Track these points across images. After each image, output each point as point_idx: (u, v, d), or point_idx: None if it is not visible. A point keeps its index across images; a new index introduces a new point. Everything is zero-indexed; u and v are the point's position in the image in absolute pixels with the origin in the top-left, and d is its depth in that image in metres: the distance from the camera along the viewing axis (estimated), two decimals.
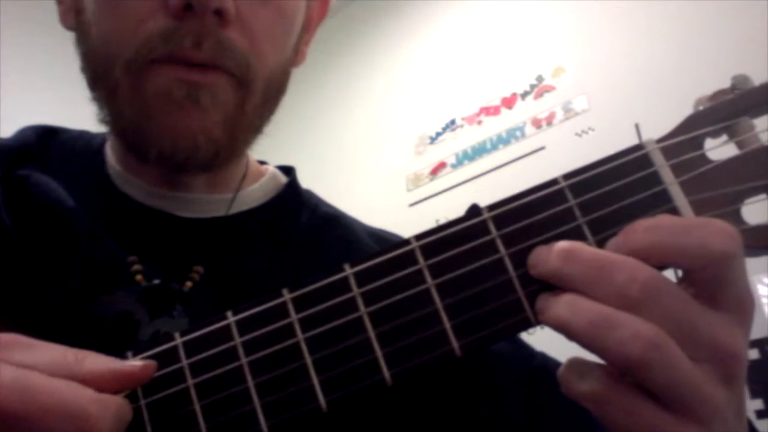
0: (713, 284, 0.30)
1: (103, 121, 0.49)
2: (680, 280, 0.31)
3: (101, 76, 0.47)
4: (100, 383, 0.31)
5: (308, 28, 0.59)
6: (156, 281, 0.49)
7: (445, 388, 0.48)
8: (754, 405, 1.47)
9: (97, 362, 0.32)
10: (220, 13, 0.44)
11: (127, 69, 0.45)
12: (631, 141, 0.34)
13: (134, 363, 0.33)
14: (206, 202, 0.55)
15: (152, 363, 0.34)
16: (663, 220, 0.30)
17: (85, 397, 0.30)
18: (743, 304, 0.30)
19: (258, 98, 0.48)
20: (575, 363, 0.31)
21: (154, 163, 0.47)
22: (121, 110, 0.47)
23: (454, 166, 2.35)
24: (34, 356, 0.31)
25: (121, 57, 0.45)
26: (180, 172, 0.51)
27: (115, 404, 0.31)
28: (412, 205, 2.39)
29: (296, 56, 0.55)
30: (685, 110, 0.34)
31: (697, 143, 0.32)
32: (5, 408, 0.28)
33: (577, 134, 2.06)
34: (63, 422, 0.29)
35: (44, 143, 0.58)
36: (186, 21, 0.44)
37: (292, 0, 0.51)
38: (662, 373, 0.28)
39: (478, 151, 2.31)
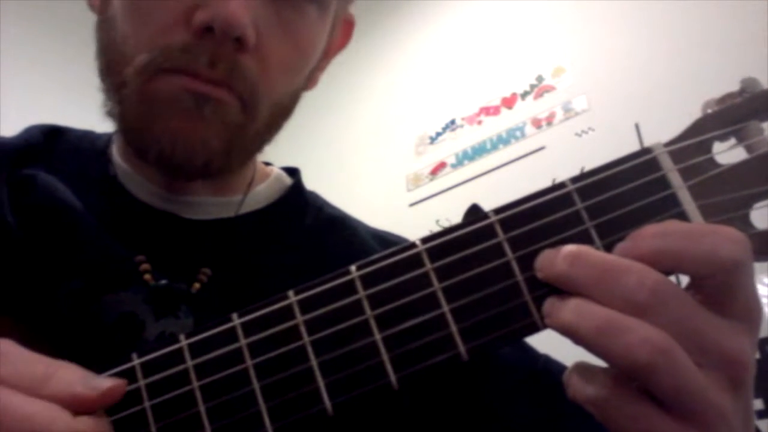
0: (721, 291, 0.29)
1: (108, 113, 0.50)
2: (688, 286, 0.31)
3: (112, 70, 0.48)
4: (62, 405, 0.31)
5: (326, 56, 0.59)
6: (163, 281, 0.49)
7: (450, 392, 0.48)
8: (754, 405, 1.47)
9: (61, 384, 0.31)
10: (239, 40, 0.45)
11: (139, 72, 0.46)
12: (631, 141, 0.34)
13: (101, 385, 0.32)
14: (212, 205, 0.55)
15: (121, 383, 0.33)
16: (672, 226, 0.30)
17: (58, 425, 0.29)
18: (751, 312, 0.30)
19: (261, 124, 0.49)
20: (581, 367, 0.31)
21: (152, 163, 0.48)
22: (125, 107, 0.47)
23: (454, 166, 2.35)
24: (10, 368, 0.31)
25: (135, 59, 0.46)
26: (175, 177, 0.52)
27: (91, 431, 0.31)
28: (412, 205, 2.39)
29: (309, 82, 0.56)
30: (685, 110, 0.34)
31: (706, 147, 0.32)
32: None
33: (577, 134, 2.06)
34: None
35: (50, 143, 0.58)
36: (205, 40, 0.44)
37: (313, 36, 0.52)
38: (668, 379, 0.28)
39: (478, 151, 2.31)
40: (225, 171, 0.50)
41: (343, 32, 0.61)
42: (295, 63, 0.51)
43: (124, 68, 0.46)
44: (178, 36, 0.45)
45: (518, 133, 2.22)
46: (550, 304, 0.31)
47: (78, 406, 0.31)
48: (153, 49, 0.45)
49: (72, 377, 0.31)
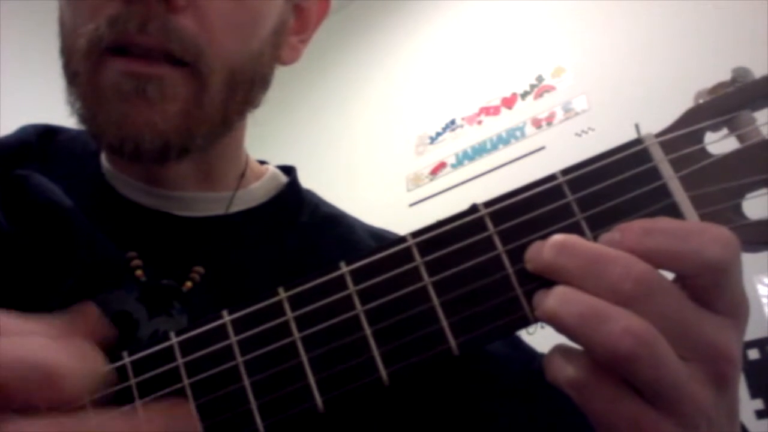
0: (708, 289, 0.29)
1: (73, 113, 0.49)
2: (674, 280, 0.30)
3: (65, 67, 0.48)
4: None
5: (305, 26, 0.58)
6: (155, 279, 0.48)
7: (442, 388, 0.48)
8: (754, 405, 1.47)
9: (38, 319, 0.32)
10: (167, 0, 0.44)
11: (84, 59, 0.45)
12: None
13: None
14: (203, 201, 0.55)
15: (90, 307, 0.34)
16: (660, 223, 0.30)
17: (49, 346, 0.30)
18: (737, 308, 0.30)
19: (217, 89, 0.47)
20: (561, 349, 0.31)
21: (109, 152, 0.47)
22: (79, 100, 0.47)
23: (454, 166, 2.35)
24: None
25: (78, 47, 0.45)
26: (143, 163, 0.50)
27: (76, 349, 0.31)
28: (412, 205, 2.39)
29: (279, 51, 0.54)
30: (685, 109, 0.34)
31: (697, 137, 0.32)
32: None
33: (577, 134, 2.06)
34: (26, 379, 0.28)
35: (44, 142, 0.58)
36: (133, 6, 0.43)
37: None
38: (649, 370, 0.27)
39: (478, 151, 2.31)
40: (193, 148, 0.48)
41: (320, 1, 0.60)
42: (243, 19, 0.48)
43: (72, 60, 0.46)
44: (109, 9, 0.44)
45: (518, 133, 2.22)
46: (538, 295, 0.31)
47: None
48: (88, 30, 0.44)
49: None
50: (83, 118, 0.47)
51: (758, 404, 1.47)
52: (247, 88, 0.50)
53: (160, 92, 0.45)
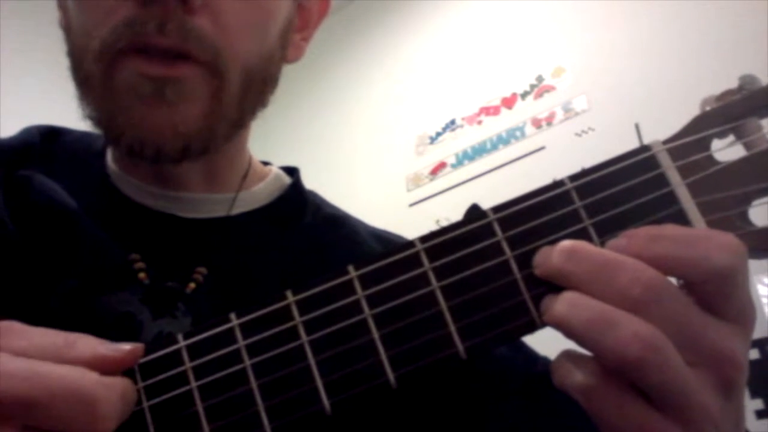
0: (715, 295, 0.29)
1: (85, 116, 0.49)
2: (682, 285, 0.31)
3: (77, 69, 0.48)
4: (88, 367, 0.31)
5: (307, 24, 0.58)
6: (159, 281, 0.48)
7: (446, 389, 0.48)
8: (754, 405, 1.47)
9: (85, 348, 0.32)
10: (184, 0, 0.44)
11: (98, 60, 0.45)
12: (631, 141, 0.34)
13: (121, 347, 0.33)
14: (207, 202, 0.55)
15: (139, 347, 0.34)
16: (666, 230, 0.30)
17: (90, 380, 0.30)
18: (743, 316, 0.30)
19: (235, 88, 0.47)
20: (569, 355, 0.31)
21: (128, 155, 0.47)
22: (93, 102, 0.47)
23: (454, 166, 2.35)
24: (26, 342, 0.31)
25: (92, 48, 0.45)
26: (158, 163, 0.49)
27: (120, 386, 0.32)
28: (412, 205, 2.39)
29: (286, 50, 0.54)
30: (685, 110, 0.34)
31: (704, 144, 0.32)
32: (13, 394, 0.28)
33: (577, 134, 2.06)
34: (70, 406, 0.29)
35: (48, 143, 0.58)
36: (150, 8, 0.43)
37: None
38: (657, 375, 0.28)
39: (478, 151, 2.31)
40: (212, 147, 0.48)
41: None
42: (254, 19, 0.49)
43: (84, 62, 0.46)
44: (124, 11, 0.44)
45: (518, 133, 2.22)
46: (546, 300, 0.31)
47: (103, 367, 0.32)
48: (103, 31, 0.44)
49: (93, 342, 0.33)
50: (97, 121, 0.47)
51: (758, 404, 1.48)
52: (259, 87, 0.51)
53: (180, 93, 0.45)
